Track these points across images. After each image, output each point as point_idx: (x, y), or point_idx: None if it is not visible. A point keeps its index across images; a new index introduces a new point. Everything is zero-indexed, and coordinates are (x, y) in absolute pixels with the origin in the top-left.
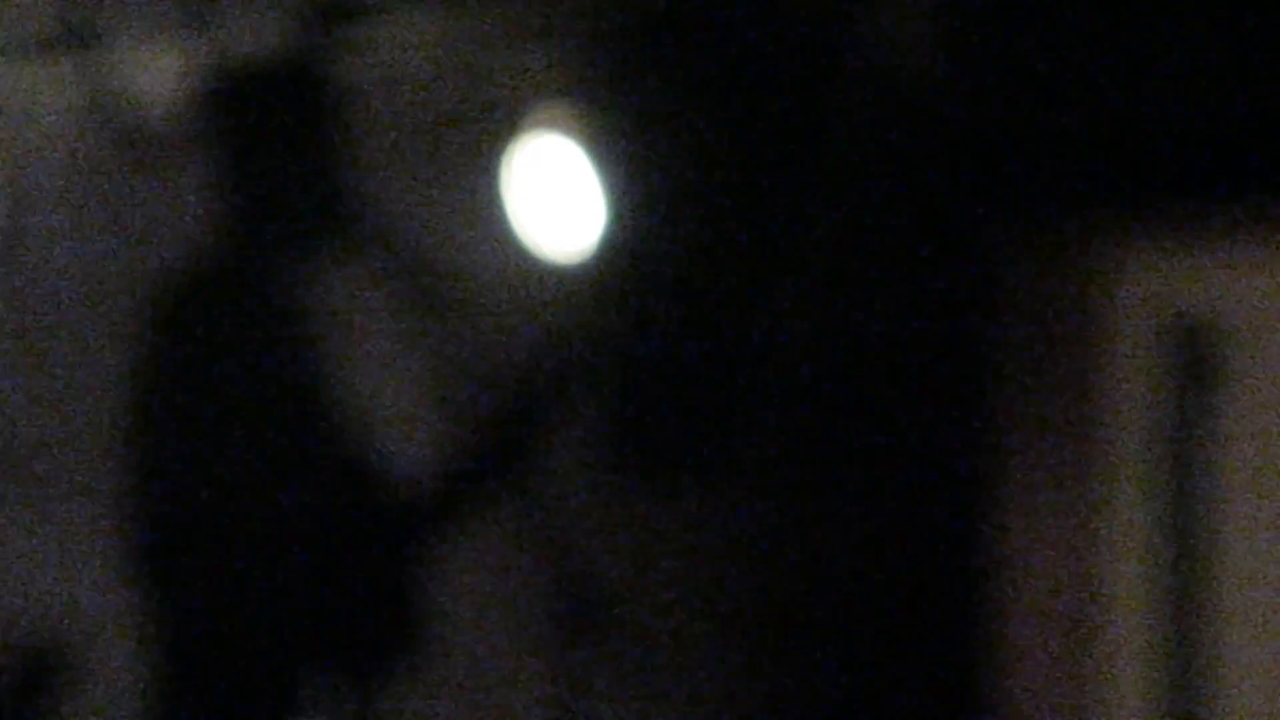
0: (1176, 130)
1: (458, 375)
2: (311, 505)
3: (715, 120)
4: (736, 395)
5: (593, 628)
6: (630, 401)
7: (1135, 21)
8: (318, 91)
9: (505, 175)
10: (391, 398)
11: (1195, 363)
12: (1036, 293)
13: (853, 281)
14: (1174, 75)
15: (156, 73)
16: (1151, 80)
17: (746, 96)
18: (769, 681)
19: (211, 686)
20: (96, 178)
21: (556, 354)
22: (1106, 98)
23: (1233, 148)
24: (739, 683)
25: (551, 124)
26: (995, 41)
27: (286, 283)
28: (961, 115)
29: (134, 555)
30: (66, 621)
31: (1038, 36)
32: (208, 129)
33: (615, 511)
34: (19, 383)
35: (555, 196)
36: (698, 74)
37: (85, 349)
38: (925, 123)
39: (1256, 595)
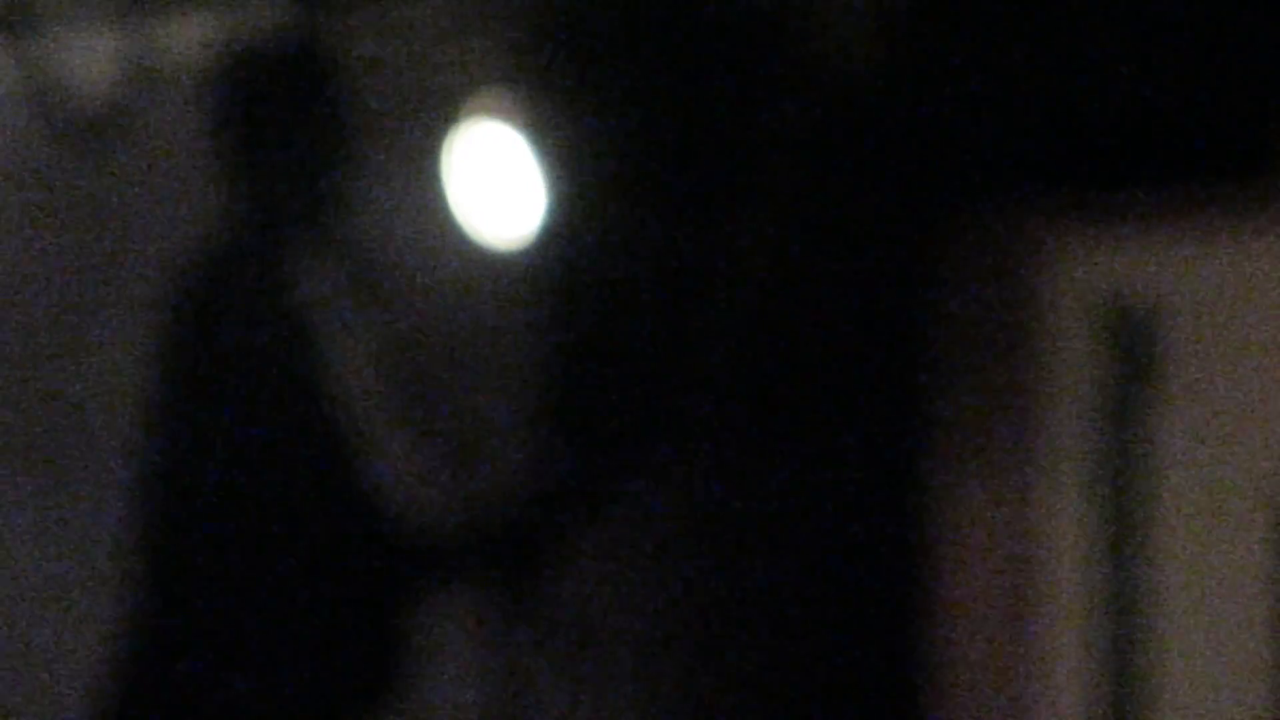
0: (1113, 115)
1: (403, 360)
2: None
3: (655, 107)
4: (675, 381)
5: (536, 619)
6: (568, 387)
7: (1073, 8)
8: (257, 78)
9: (446, 162)
10: (335, 385)
11: (1132, 346)
12: (973, 277)
13: (791, 268)
14: (1111, 61)
15: (91, 58)
16: (1088, 66)
17: (687, 83)
18: (708, 678)
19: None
20: (31, 162)
21: (499, 341)
22: (1043, 84)
23: (1169, 132)
24: (678, 678)
25: (491, 111)
26: (934, 28)
27: (232, 266)
28: (899, 102)
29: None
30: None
31: (977, 23)
32: (143, 115)
33: (553, 496)
34: None
35: (495, 183)
36: (638, 62)
37: (18, 335)
38: (864, 111)
39: (1194, 578)
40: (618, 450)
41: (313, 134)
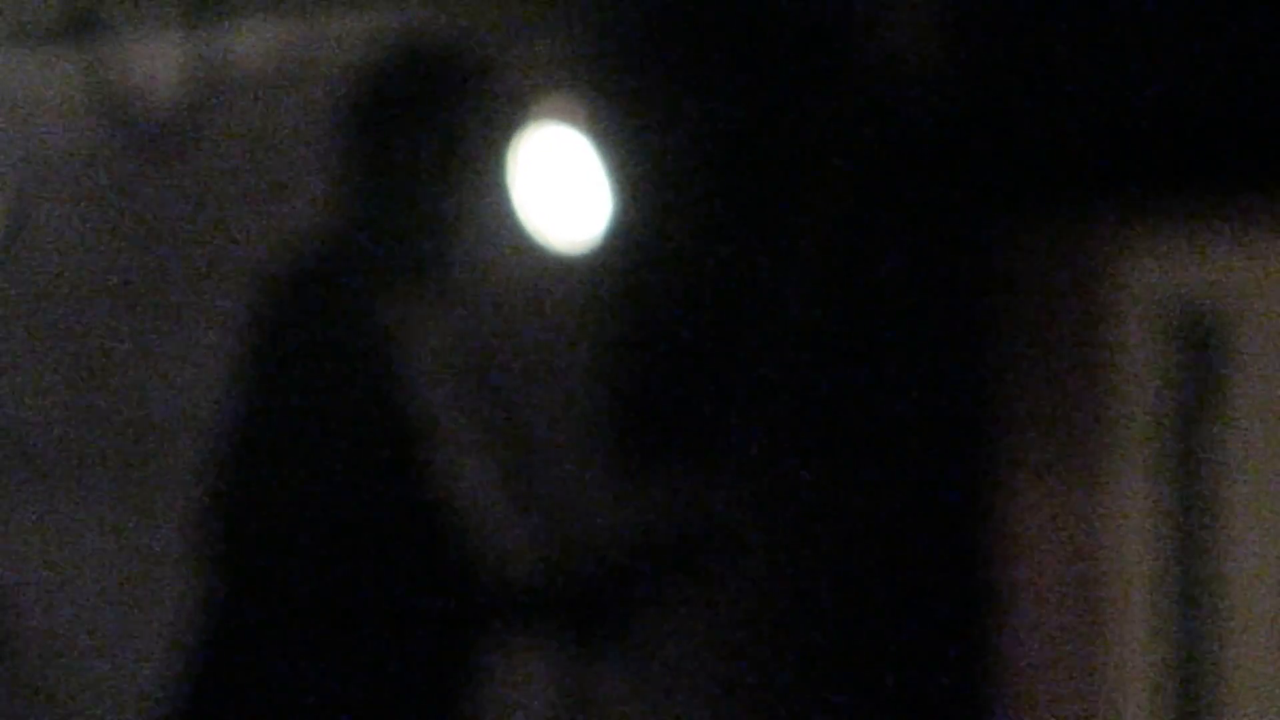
0: (1182, 119)
1: (465, 366)
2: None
3: (720, 111)
4: (741, 386)
5: (595, 619)
6: (636, 392)
7: (1139, 10)
8: (323, 83)
9: (512, 166)
10: (399, 388)
11: (1201, 350)
12: (1043, 281)
13: (858, 272)
14: (1180, 65)
15: (160, 65)
16: (1157, 69)
17: (751, 87)
18: (769, 675)
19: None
20: (100, 169)
21: (563, 344)
22: (1111, 87)
23: (1237, 136)
24: (740, 676)
25: (557, 115)
26: (999, 32)
27: (295, 275)
28: (966, 105)
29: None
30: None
31: (1042, 25)
32: (212, 122)
33: (620, 502)
34: (22, 376)
35: (561, 188)
36: (703, 65)
37: (88, 341)
38: (929, 113)
39: (1262, 583)
40: (686, 455)
41: (428, 152)
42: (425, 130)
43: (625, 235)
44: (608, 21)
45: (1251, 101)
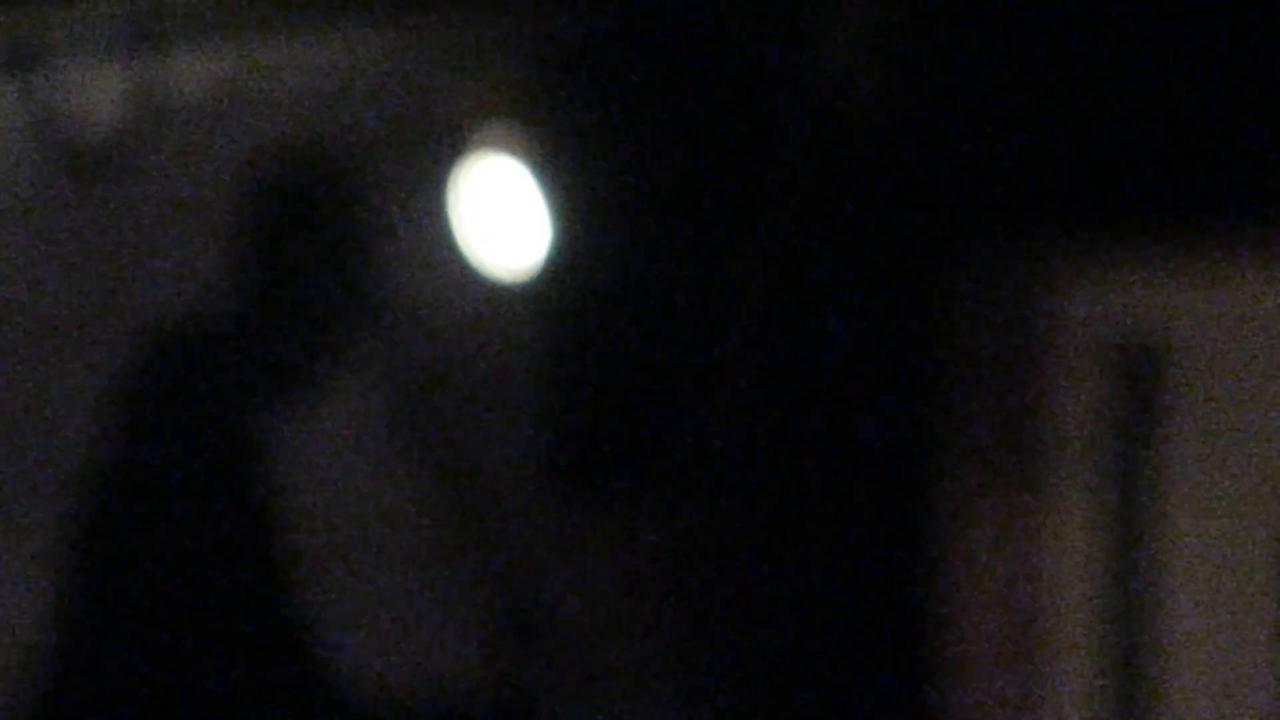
0: (1121, 150)
1: (406, 392)
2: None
3: (659, 138)
4: (683, 412)
5: (536, 642)
6: (576, 418)
7: (1080, 44)
8: (262, 112)
9: (452, 194)
10: (341, 414)
11: (1139, 379)
12: (981, 313)
13: (799, 301)
14: (1119, 97)
15: (101, 93)
16: (1096, 102)
17: (691, 115)
18: (715, 696)
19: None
20: (39, 198)
21: (505, 370)
22: (1051, 119)
23: (1176, 168)
24: (688, 699)
25: (496, 143)
26: (941, 61)
27: (234, 305)
28: (906, 134)
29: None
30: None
31: (984, 57)
32: (149, 150)
33: (562, 528)
34: None
35: (500, 216)
36: (645, 94)
37: (25, 368)
38: (870, 143)
39: (1201, 614)
40: (627, 480)
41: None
42: (364, 162)
43: (565, 263)
44: (546, 50)
45: (1191, 132)
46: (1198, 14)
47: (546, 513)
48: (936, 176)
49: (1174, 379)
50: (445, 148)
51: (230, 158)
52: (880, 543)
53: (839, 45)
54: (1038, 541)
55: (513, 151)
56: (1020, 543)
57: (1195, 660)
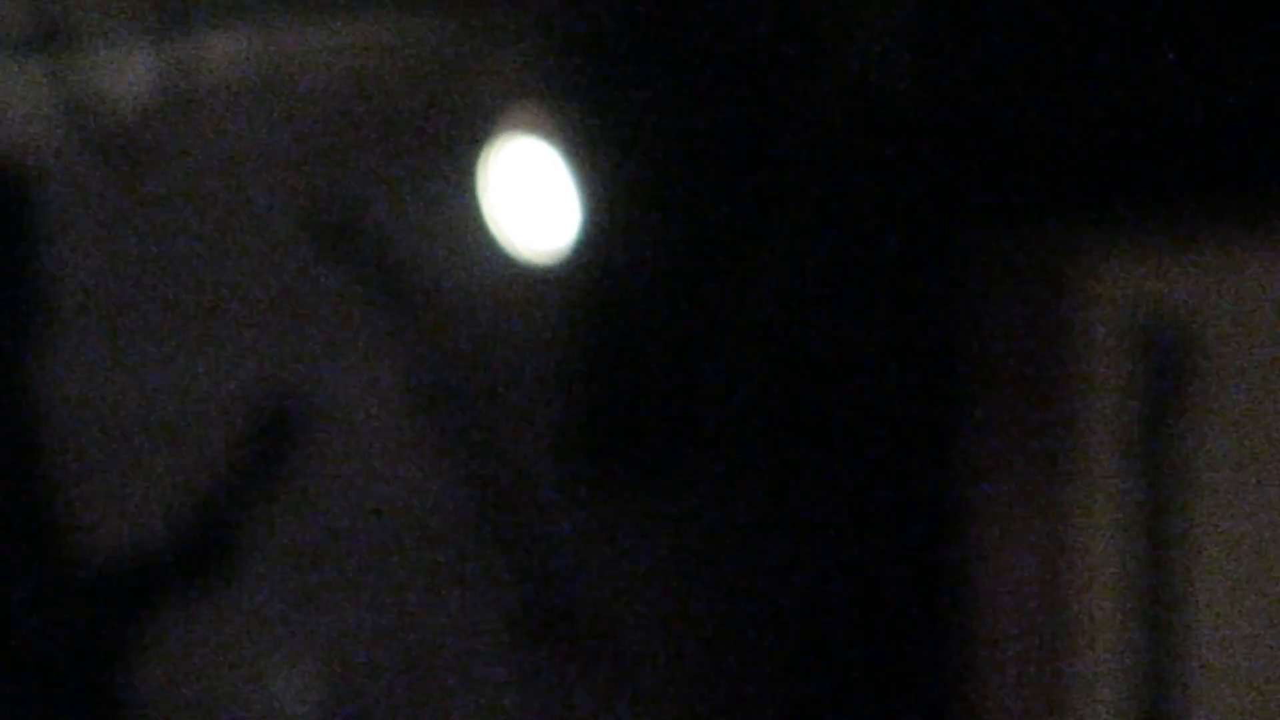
0: (1149, 134)
1: (435, 374)
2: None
3: (690, 121)
4: (710, 395)
5: (562, 629)
6: (605, 400)
7: (1107, 26)
8: (291, 94)
9: (481, 177)
10: (370, 397)
11: (1169, 362)
12: (1011, 294)
13: (827, 284)
14: (1147, 78)
15: (128, 75)
16: (1125, 83)
17: (721, 98)
18: (739, 685)
19: None
20: (66, 178)
21: (532, 353)
22: (1079, 99)
23: (1205, 149)
24: (710, 686)
25: (526, 126)
26: (970, 45)
27: (263, 284)
28: (933, 117)
29: None
30: None
31: (1012, 40)
32: (179, 132)
33: (589, 511)
34: None
35: (530, 198)
36: (673, 75)
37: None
38: (899, 125)
39: (1230, 594)
40: (655, 464)
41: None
42: (393, 145)
43: (594, 246)
44: (577, 32)
45: (1217, 113)
46: None
47: (573, 495)
48: (966, 161)
49: (1203, 361)
50: (475, 130)
51: (258, 140)
52: (910, 524)
53: (870, 30)
54: (1068, 522)
55: (542, 134)
56: (1050, 523)
57: (1225, 645)
